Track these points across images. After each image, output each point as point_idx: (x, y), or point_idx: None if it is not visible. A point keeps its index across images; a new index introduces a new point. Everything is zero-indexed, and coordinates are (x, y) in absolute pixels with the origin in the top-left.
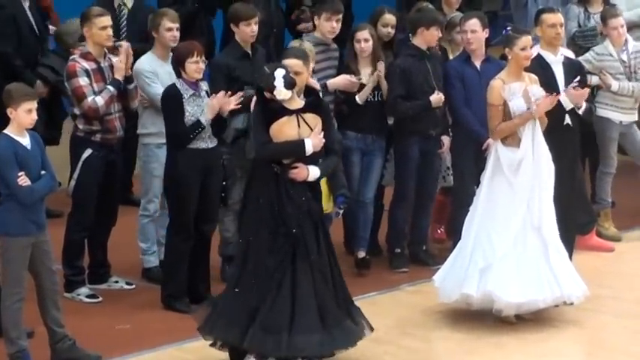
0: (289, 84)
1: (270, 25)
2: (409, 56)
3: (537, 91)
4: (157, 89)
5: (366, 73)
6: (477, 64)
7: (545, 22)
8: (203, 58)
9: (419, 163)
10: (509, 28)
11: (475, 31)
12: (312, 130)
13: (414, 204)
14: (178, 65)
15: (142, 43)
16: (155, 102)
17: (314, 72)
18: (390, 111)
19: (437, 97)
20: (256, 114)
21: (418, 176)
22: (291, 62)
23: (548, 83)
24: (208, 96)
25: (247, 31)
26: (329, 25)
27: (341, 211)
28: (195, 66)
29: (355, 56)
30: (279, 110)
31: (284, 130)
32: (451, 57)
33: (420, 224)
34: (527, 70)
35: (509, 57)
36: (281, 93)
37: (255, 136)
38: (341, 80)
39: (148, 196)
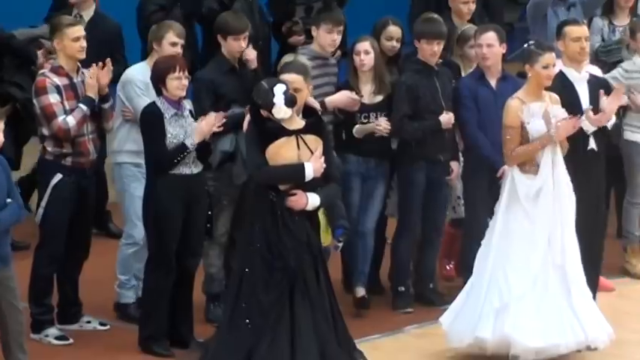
0: (290, 101)
1: (254, 38)
2: (415, 72)
3: (559, 112)
4: (146, 102)
5: (367, 91)
6: (493, 82)
7: (569, 35)
8: (186, 73)
9: (425, 192)
10: (531, 42)
11: (491, 45)
12: (312, 153)
13: (420, 237)
14: (158, 82)
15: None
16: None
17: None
18: (395, 132)
19: (447, 117)
20: (251, 134)
21: (424, 206)
22: (292, 78)
23: (571, 104)
24: (192, 116)
25: (235, 46)
26: (329, 38)
27: (340, 245)
28: (178, 82)
29: (355, 71)
30: (276, 130)
31: (282, 152)
32: (463, 74)
33: (427, 259)
34: (547, 88)
35: (529, 75)
36: (281, 111)
37: (249, 159)
38: (341, 98)
39: (132, 220)
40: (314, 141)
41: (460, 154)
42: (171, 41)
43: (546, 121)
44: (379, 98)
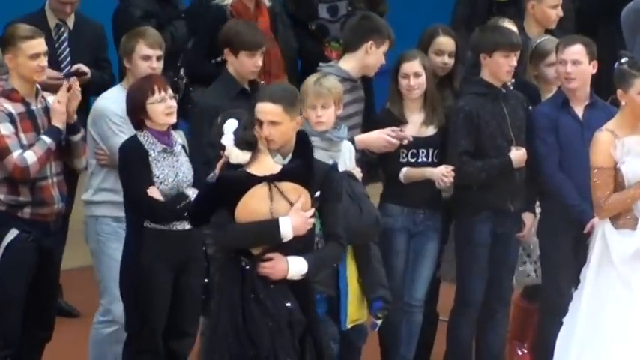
0: (243, 143)
1: (283, 51)
2: (477, 95)
3: None
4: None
5: (415, 122)
6: (579, 109)
7: None
8: (170, 92)
9: (490, 251)
10: (623, 60)
11: (578, 61)
12: (291, 205)
13: (483, 307)
14: (137, 113)
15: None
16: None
17: (339, 118)
18: (454, 174)
19: (519, 154)
20: (212, 185)
21: (491, 270)
22: (264, 108)
23: None
24: (186, 153)
25: (249, 64)
26: (378, 57)
27: (379, 322)
28: (163, 106)
29: (399, 96)
30: (243, 179)
31: (251, 205)
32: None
33: (489, 340)
34: None
35: (622, 101)
36: (232, 154)
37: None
38: (377, 140)
39: (110, 292)
40: (294, 190)
41: (536, 203)
42: (143, 54)
43: None
44: (431, 131)
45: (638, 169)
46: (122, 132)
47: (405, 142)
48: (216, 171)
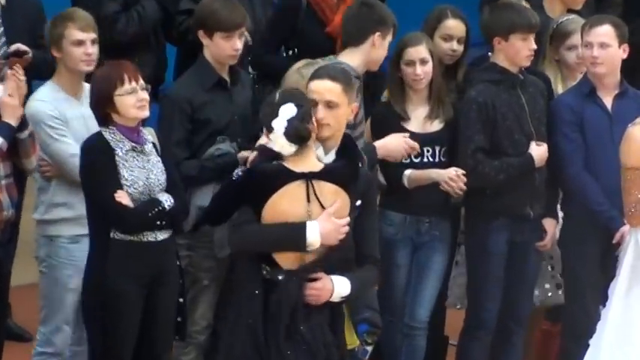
0: (294, 134)
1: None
2: (490, 84)
3: None
4: (70, 146)
5: (419, 116)
6: (607, 100)
7: None
8: (142, 83)
9: (507, 265)
10: None
11: (607, 45)
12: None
13: (498, 327)
14: (102, 106)
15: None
16: (66, 168)
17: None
18: (466, 175)
19: (541, 150)
20: (240, 177)
21: (507, 284)
22: (321, 86)
23: None
24: (157, 152)
25: (226, 47)
26: (384, 50)
27: (369, 349)
28: (134, 99)
29: (401, 87)
30: (280, 172)
31: (283, 205)
32: (561, 89)
33: None
34: None
35: None
36: (277, 142)
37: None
38: (397, 147)
39: (54, 321)
40: (332, 193)
41: (558, 208)
42: (74, 39)
43: None
44: (436, 126)
45: None
46: (62, 135)
47: (414, 153)
48: (250, 160)
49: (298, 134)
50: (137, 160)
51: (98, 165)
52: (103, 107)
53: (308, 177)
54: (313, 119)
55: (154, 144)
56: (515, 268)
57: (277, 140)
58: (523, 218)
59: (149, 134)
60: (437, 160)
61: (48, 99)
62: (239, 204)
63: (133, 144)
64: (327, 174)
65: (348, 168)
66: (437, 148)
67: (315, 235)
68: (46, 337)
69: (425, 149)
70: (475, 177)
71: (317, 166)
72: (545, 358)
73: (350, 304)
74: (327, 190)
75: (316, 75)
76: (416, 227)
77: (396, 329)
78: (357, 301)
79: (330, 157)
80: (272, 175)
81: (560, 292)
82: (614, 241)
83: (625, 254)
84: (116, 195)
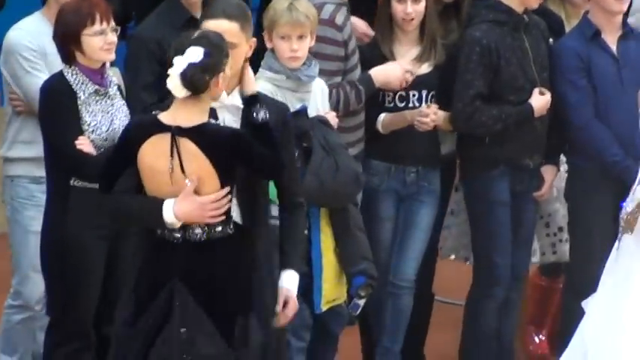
0: (190, 83)
1: None
2: (495, 24)
3: None
4: (42, 82)
5: (407, 57)
6: (612, 42)
7: None
8: (113, 24)
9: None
10: None
11: None
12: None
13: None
14: (68, 43)
15: None
16: (36, 104)
17: (316, 56)
18: (463, 122)
19: (543, 101)
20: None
21: None
22: (218, 26)
23: None
24: (122, 95)
25: None
26: None
27: (361, 303)
28: (101, 40)
29: (390, 26)
30: (147, 123)
31: (148, 157)
32: (566, 28)
33: (502, 326)
34: None
35: None
36: (172, 80)
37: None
38: (393, 71)
39: (23, 271)
40: (193, 156)
41: (561, 158)
42: None
43: None
44: (425, 69)
45: None
46: (36, 69)
47: (409, 79)
48: None
49: (193, 83)
50: (101, 103)
51: (58, 108)
52: (68, 44)
53: (173, 131)
54: (222, 74)
55: (118, 86)
56: (513, 220)
57: (172, 78)
58: (522, 168)
59: (114, 76)
60: (424, 103)
61: (29, 29)
62: (125, 163)
63: (97, 86)
64: (195, 133)
65: (234, 140)
66: (424, 92)
67: (170, 216)
68: (14, 289)
69: (411, 93)
70: (472, 124)
71: (192, 122)
72: (544, 316)
73: (344, 255)
74: (189, 150)
75: (211, 13)
76: (402, 177)
77: (381, 287)
78: (352, 249)
79: (235, 98)
80: (141, 126)
81: (553, 251)
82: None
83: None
84: (77, 142)
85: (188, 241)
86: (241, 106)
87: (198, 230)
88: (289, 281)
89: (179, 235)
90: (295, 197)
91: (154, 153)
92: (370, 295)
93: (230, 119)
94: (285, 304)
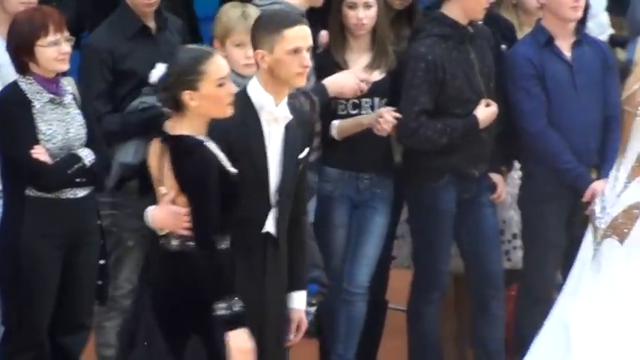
0: (164, 97)
1: None
2: (440, 39)
3: None
4: None
5: (359, 65)
6: (565, 49)
7: None
8: (67, 34)
9: (461, 225)
10: None
11: None
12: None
13: (474, 297)
14: (21, 53)
15: None
16: None
17: None
18: (407, 137)
19: (488, 112)
20: None
21: (467, 249)
22: (306, 31)
23: None
24: (77, 104)
25: None
26: None
27: (313, 310)
28: (55, 51)
29: (342, 33)
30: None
31: (151, 160)
32: (519, 36)
33: (487, 338)
34: None
35: None
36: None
37: None
38: (347, 80)
39: None
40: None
41: (515, 165)
42: None
43: None
44: (377, 76)
45: None
46: None
47: (365, 87)
48: None
49: (160, 100)
50: (56, 112)
51: (13, 118)
52: (22, 55)
53: (162, 135)
54: (187, 93)
55: (73, 95)
56: (473, 227)
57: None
58: (468, 177)
59: (68, 85)
60: (381, 108)
61: None
62: None
63: (52, 95)
64: (169, 144)
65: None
66: (376, 100)
67: (148, 221)
68: None
69: (364, 100)
70: (417, 139)
71: (175, 132)
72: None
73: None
74: (168, 158)
75: (292, 21)
76: (355, 184)
77: (335, 294)
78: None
79: (284, 106)
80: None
81: (507, 258)
82: (584, 199)
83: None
84: (33, 151)
85: (167, 251)
86: (290, 117)
87: (174, 241)
88: (300, 302)
89: (162, 242)
90: (302, 211)
91: (153, 151)
92: (323, 303)
93: (276, 131)
94: (298, 326)
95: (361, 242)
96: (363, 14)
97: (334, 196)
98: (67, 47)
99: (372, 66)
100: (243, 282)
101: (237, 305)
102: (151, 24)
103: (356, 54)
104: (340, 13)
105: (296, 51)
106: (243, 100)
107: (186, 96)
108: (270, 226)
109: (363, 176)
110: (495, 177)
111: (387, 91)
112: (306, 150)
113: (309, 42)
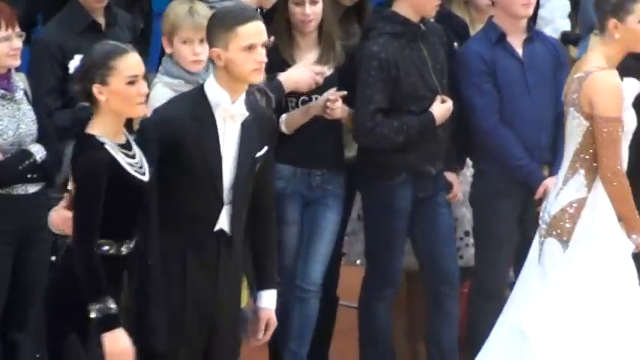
0: (78, 90)
1: None
2: (392, 37)
3: None
4: None
5: (307, 61)
6: (517, 46)
7: None
8: (18, 30)
9: (416, 223)
10: None
11: None
12: None
13: (429, 295)
14: None
15: None
16: None
17: None
18: (364, 135)
19: (443, 109)
20: None
21: (422, 247)
22: (260, 27)
23: None
24: (29, 100)
25: None
26: None
27: None
28: (6, 46)
29: (288, 30)
30: None
31: None
32: (470, 33)
33: (442, 336)
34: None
35: (615, 35)
36: None
37: None
38: (302, 74)
39: None
40: None
41: (467, 163)
42: None
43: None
44: (326, 71)
45: (633, 121)
46: None
47: (321, 78)
48: None
49: (84, 90)
50: (7, 108)
51: None
52: None
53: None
54: (106, 87)
55: (25, 91)
56: (428, 226)
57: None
58: (424, 175)
59: (20, 81)
60: (327, 93)
61: None
62: None
63: (3, 91)
64: (76, 141)
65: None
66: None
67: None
68: None
69: (314, 97)
70: (374, 138)
71: (88, 129)
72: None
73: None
74: None
75: (246, 17)
76: (307, 181)
77: (287, 292)
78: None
79: (241, 104)
80: None
81: (459, 255)
82: (536, 197)
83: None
84: None
85: (66, 247)
86: (246, 114)
87: (69, 239)
88: (270, 301)
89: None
90: (267, 208)
91: None
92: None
93: (232, 129)
94: (267, 325)
95: (314, 239)
96: (310, 10)
97: (286, 193)
98: (18, 43)
99: (320, 62)
100: (196, 279)
101: (111, 306)
102: (101, 20)
103: (304, 51)
104: (286, 10)
105: (250, 47)
106: (199, 98)
107: (96, 89)
108: (223, 223)
109: (315, 172)
110: (450, 176)
111: (335, 86)
112: (265, 148)
113: (264, 38)
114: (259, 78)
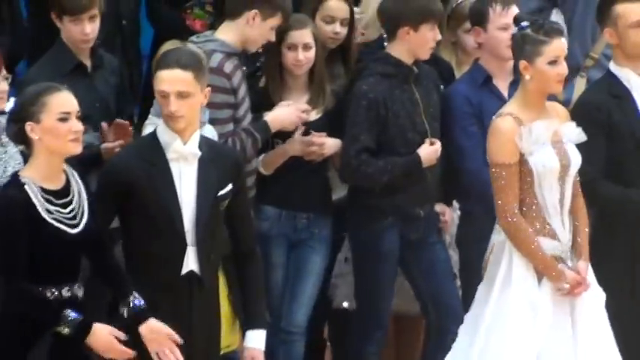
0: (12, 133)
1: (115, 15)
2: (383, 77)
3: (574, 133)
4: None
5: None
6: (503, 88)
7: (625, 17)
8: (4, 72)
9: (411, 263)
10: (524, 24)
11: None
12: None
13: (432, 330)
14: None
15: None
16: None
17: (207, 105)
18: (349, 175)
19: (430, 151)
20: None
21: (424, 285)
22: (172, 76)
23: (628, 124)
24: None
25: (75, 33)
26: (263, 32)
27: None
28: None
29: (279, 73)
30: None
31: None
32: (457, 74)
33: None
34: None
35: (526, 75)
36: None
37: None
38: (289, 114)
39: None
40: None
41: (454, 204)
42: None
43: (559, 151)
44: (314, 116)
45: (550, 160)
46: None
47: (307, 117)
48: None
49: (14, 133)
50: None
51: None
52: None
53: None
54: (38, 125)
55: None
56: (426, 266)
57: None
58: (413, 217)
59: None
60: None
61: None
62: None
63: None
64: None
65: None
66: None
67: None
68: None
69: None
70: (358, 177)
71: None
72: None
73: (237, 302)
74: None
75: (164, 64)
76: (292, 223)
77: (272, 334)
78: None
79: (193, 144)
80: None
81: None
82: None
83: (500, 257)
84: None
85: None
86: (199, 154)
87: (47, 293)
88: (257, 341)
89: None
90: (248, 244)
91: None
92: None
93: (188, 170)
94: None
95: (299, 282)
96: (302, 55)
97: (271, 235)
98: (4, 85)
99: (309, 105)
100: (167, 321)
101: (72, 315)
102: (87, 61)
103: (294, 93)
104: (278, 54)
105: (164, 96)
106: (152, 141)
107: (29, 127)
108: (192, 264)
109: (301, 215)
110: (439, 206)
111: (323, 130)
112: (230, 186)
113: (178, 87)
114: (175, 125)
